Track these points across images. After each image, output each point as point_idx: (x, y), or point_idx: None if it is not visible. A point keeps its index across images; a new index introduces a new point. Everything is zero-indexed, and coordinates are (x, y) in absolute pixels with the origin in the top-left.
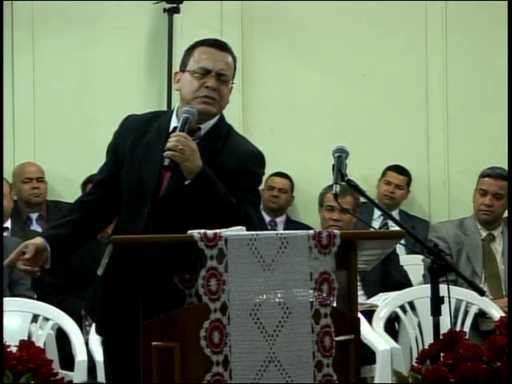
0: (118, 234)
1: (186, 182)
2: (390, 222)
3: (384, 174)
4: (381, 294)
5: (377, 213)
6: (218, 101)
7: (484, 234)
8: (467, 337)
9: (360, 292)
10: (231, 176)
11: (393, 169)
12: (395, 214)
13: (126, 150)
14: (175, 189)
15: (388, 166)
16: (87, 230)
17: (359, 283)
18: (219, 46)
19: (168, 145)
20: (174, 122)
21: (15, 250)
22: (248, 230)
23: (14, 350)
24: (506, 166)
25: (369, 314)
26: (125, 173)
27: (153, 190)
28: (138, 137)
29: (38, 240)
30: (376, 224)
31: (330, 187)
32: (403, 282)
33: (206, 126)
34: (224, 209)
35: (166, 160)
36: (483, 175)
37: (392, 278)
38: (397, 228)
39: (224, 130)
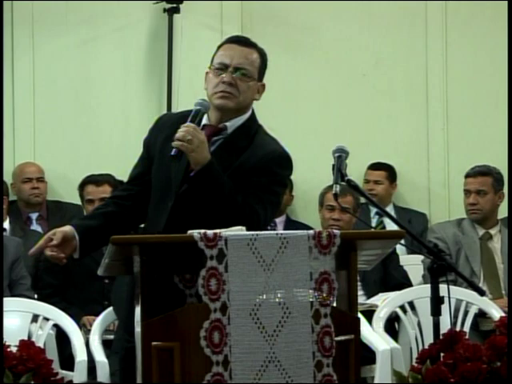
0: (145, 230)
1: (192, 174)
2: (386, 221)
3: (365, 174)
4: (381, 294)
5: (372, 211)
6: (235, 96)
7: (481, 232)
8: (467, 337)
9: (360, 292)
10: (251, 173)
11: (370, 167)
12: (389, 209)
13: (157, 147)
14: (189, 182)
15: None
16: (119, 224)
17: (359, 283)
18: (241, 41)
19: (177, 135)
20: (204, 120)
21: (44, 237)
22: (252, 228)
23: (14, 349)
24: (506, 166)
25: (369, 314)
26: (155, 170)
27: (178, 185)
28: (169, 134)
29: (67, 228)
30: (372, 223)
31: (330, 187)
32: (403, 282)
33: (232, 124)
34: (226, 204)
35: (173, 150)
36: (465, 176)
37: (392, 277)
38: (395, 226)
39: (253, 129)
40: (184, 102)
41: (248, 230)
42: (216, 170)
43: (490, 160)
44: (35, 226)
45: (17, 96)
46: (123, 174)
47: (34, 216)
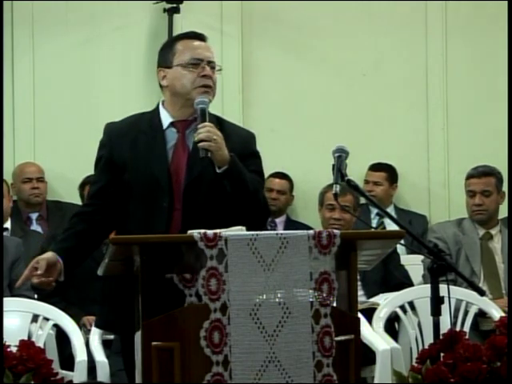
0: (135, 233)
1: (220, 171)
2: (387, 221)
3: (365, 175)
4: (381, 295)
5: (373, 212)
6: (213, 88)
7: (481, 232)
8: (467, 337)
9: (360, 292)
10: (242, 159)
11: (371, 167)
12: (390, 210)
13: (124, 154)
14: (195, 177)
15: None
16: (92, 239)
17: (359, 283)
18: (200, 37)
19: (201, 136)
20: (166, 118)
21: (28, 267)
22: (264, 213)
23: (14, 349)
24: (506, 167)
25: (369, 314)
26: (131, 176)
27: (167, 183)
28: (133, 140)
29: (49, 254)
30: (372, 223)
31: (330, 186)
32: (404, 282)
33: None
34: (252, 194)
35: (202, 151)
36: (468, 177)
37: (393, 277)
38: (395, 227)
39: (213, 116)
40: None
41: (264, 217)
42: (240, 164)
43: (490, 160)
44: (35, 226)
45: (17, 96)
46: None
47: (34, 216)
